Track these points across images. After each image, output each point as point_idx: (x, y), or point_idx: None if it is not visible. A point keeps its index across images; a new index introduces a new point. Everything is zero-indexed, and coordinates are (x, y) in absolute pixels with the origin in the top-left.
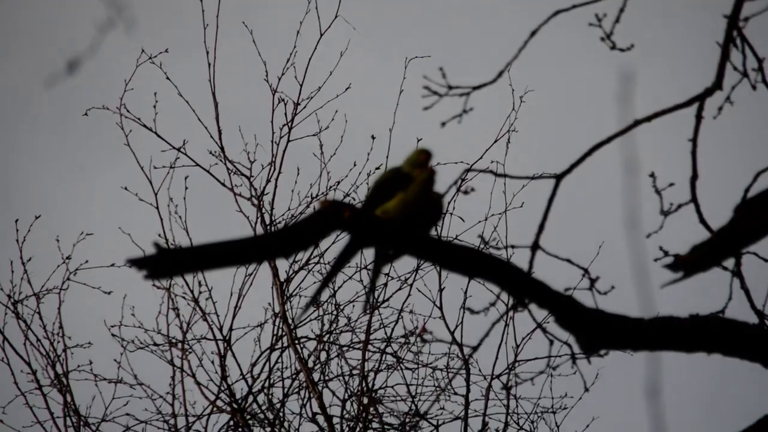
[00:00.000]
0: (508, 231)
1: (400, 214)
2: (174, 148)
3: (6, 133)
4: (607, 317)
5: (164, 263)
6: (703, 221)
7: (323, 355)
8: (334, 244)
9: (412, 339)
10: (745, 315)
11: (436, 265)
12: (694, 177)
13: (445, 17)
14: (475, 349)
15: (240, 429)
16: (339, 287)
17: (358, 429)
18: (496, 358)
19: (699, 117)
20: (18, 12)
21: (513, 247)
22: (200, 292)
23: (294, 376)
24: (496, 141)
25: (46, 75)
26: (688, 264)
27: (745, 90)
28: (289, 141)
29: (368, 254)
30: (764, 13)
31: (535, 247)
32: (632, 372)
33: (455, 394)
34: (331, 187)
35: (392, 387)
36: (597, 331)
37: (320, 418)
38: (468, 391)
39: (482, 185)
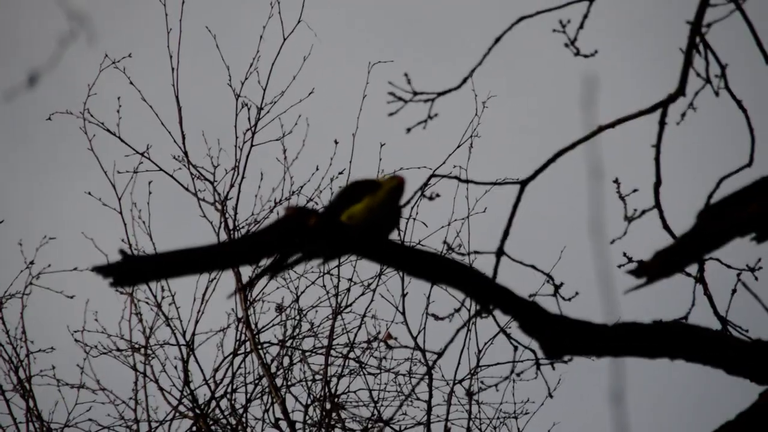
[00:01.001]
0: (470, 236)
1: (366, 219)
2: (137, 152)
3: None
4: (571, 323)
5: (130, 270)
6: (666, 227)
7: (286, 360)
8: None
9: (375, 344)
10: (708, 321)
11: (401, 271)
12: (658, 183)
13: (410, 23)
14: (440, 355)
15: None
16: (302, 292)
17: None
18: (458, 363)
19: (662, 123)
20: None
21: (478, 253)
22: (163, 297)
23: (257, 381)
24: (459, 146)
25: (6, 88)
26: (652, 270)
27: (708, 96)
28: (252, 146)
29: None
30: (727, 19)
31: (499, 252)
32: (596, 378)
33: (418, 399)
34: (294, 191)
35: (355, 392)
36: (561, 337)
37: (283, 424)
38: (430, 396)
39: (445, 190)
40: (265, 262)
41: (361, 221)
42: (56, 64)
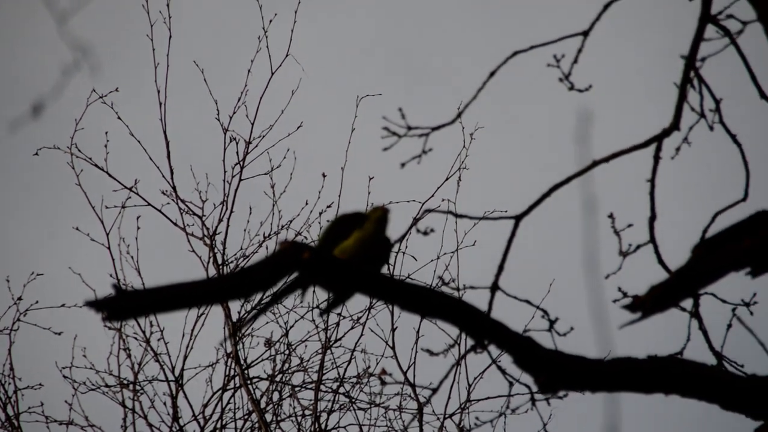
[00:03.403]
0: (460, 270)
1: (358, 253)
2: (125, 187)
3: None
4: (566, 358)
5: (123, 305)
6: (661, 262)
7: (275, 396)
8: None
9: (365, 379)
10: (704, 356)
11: (395, 305)
12: (653, 217)
13: (400, 56)
14: (433, 392)
15: None
16: (291, 327)
17: None
18: (449, 397)
19: (657, 157)
20: None
21: (472, 288)
22: (152, 333)
23: (246, 417)
24: (447, 179)
25: (11, 119)
26: (647, 305)
27: (702, 130)
28: (240, 180)
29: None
30: (721, 54)
31: (494, 288)
32: (591, 413)
33: None
34: (283, 226)
35: (345, 427)
36: (556, 372)
37: None
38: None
39: (435, 224)
40: (256, 299)
41: (353, 255)
42: (59, 94)
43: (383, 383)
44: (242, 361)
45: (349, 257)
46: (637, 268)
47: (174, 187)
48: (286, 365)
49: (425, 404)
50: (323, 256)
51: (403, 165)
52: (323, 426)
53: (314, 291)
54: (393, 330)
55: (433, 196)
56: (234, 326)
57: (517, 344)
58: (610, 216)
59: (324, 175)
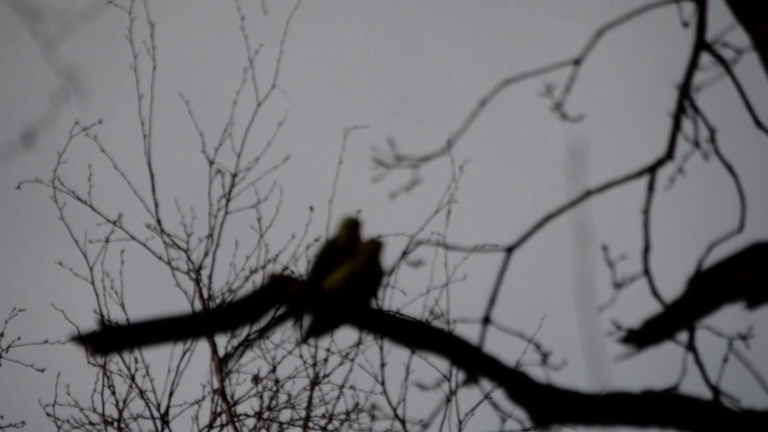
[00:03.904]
0: (450, 304)
1: (349, 284)
2: (109, 221)
3: None
4: (560, 392)
5: (108, 339)
6: (656, 294)
7: None
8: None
9: (354, 416)
10: (700, 389)
11: (386, 339)
12: (647, 249)
13: (387, 87)
14: (425, 426)
15: None
16: (278, 363)
17: None
18: None
19: (651, 188)
20: None
21: (464, 321)
22: (137, 369)
23: None
24: (436, 212)
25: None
26: (641, 338)
27: (697, 160)
28: (226, 213)
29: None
30: (716, 84)
31: (486, 320)
32: None
33: None
34: (269, 259)
35: None
36: (550, 407)
37: None
38: None
39: (424, 257)
40: (243, 333)
41: (343, 287)
42: (50, 123)
43: (373, 418)
44: (229, 398)
45: (339, 290)
46: (632, 300)
47: (159, 221)
48: (274, 402)
49: None
50: (311, 290)
51: (393, 196)
52: None
53: (302, 325)
54: (382, 366)
55: (422, 229)
56: (220, 361)
57: (510, 378)
58: (604, 248)
59: (311, 209)
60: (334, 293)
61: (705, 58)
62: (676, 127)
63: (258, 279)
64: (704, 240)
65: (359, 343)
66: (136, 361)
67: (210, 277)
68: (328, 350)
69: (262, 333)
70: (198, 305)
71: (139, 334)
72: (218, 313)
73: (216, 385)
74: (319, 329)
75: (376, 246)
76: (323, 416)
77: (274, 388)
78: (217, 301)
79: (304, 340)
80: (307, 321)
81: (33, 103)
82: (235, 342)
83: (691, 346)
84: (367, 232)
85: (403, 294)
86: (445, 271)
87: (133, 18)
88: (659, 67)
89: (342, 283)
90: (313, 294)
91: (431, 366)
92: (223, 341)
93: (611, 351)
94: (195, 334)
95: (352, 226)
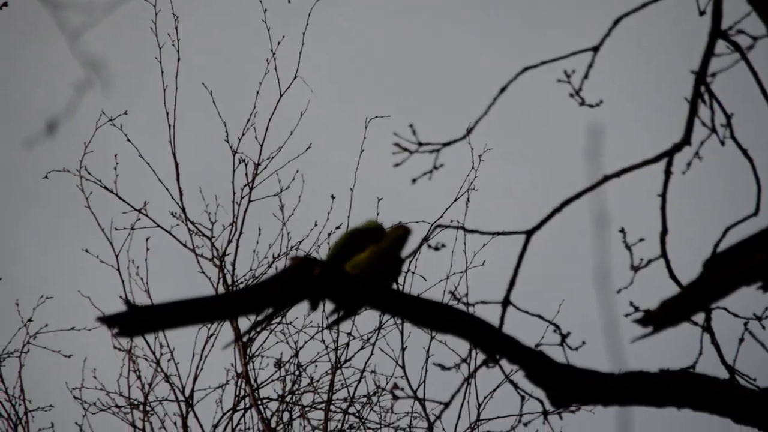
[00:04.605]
0: (469, 289)
1: (372, 267)
2: (135, 209)
3: None
4: (578, 372)
5: (134, 321)
6: (673, 276)
7: (286, 416)
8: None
9: (375, 399)
10: (716, 370)
11: (406, 321)
12: (664, 232)
13: (408, 74)
14: (446, 406)
15: None
16: (301, 347)
17: None
18: (459, 416)
19: (668, 172)
20: None
21: (484, 303)
22: (162, 354)
23: None
24: (456, 200)
25: (25, 136)
26: (658, 319)
27: (714, 145)
28: (250, 201)
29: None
30: (732, 69)
31: (505, 302)
32: (602, 428)
33: None
34: (292, 247)
35: None
36: (568, 387)
37: None
38: None
39: (444, 242)
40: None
41: (366, 270)
42: (73, 112)
43: (395, 398)
44: (252, 382)
45: (362, 272)
46: (649, 282)
47: (183, 209)
48: (296, 385)
49: (436, 420)
50: (334, 272)
51: (414, 181)
52: None
53: (324, 307)
54: (403, 349)
55: (442, 216)
56: (243, 345)
57: (529, 358)
58: (622, 231)
59: (333, 197)
60: (355, 276)
61: (721, 46)
62: (693, 112)
63: (281, 266)
64: (720, 224)
65: (380, 327)
66: (161, 345)
67: (233, 264)
68: (349, 335)
69: (277, 310)
70: (222, 291)
71: (164, 316)
72: (240, 295)
73: (240, 369)
74: (343, 313)
75: (402, 232)
76: (345, 399)
77: (297, 372)
78: (241, 287)
79: (329, 325)
80: (329, 305)
81: (57, 93)
82: (258, 326)
83: (707, 327)
84: (390, 223)
85: (423, 279)
86: (465, 257)
87: (158, 10)
88: (676, 54)
89: (365, 265)
90: (335, 276)
91: (452, 351)
92: (246, 326)
93: (629, 332)
94: (218, 316)
95: (400, 237)
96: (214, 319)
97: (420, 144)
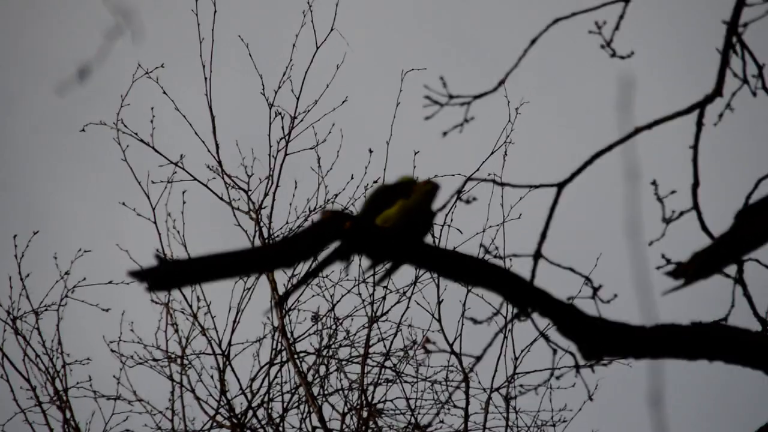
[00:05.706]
0: (505, 242)
1: (402, 221)
2: (171, 162)
3: (7, 146)
4: (609, 325)
5: (165, 275)
6: (704, 228)
7: (322, 369)
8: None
9: (411, 352)
10: (748, 322)
11: (438, 274)
12: (696, 184)
13: (442, 27)
14: (478, 359)
15: None
16: (338, 301)
17: None
18: (495, 370)
19: (699, 124)
20: (25, 20)
21: (515, 256)
22: (199, 308)
23: (293, 391)
24: (492, 153)
25: (57, 82)
26: (690, 271)
27: (745, 96)
28: (286, 155)
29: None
30: (763, 19)
31: (537, 255)
32: (634, 381)
33: (455, 407)
34: (328, 200)
35: (392, 400)
36: (599, 339)
37: None
38: (467, 404)
39: (480, 197)
40: (300, 271)
41: (396, 224)
42: (104, 59)
43: (427, 351)
44: (289, 336)
45: (392, 226)
46: (681, 234)
47: (220, 162)
48: (333, 339)
49: (470, 371)
50: (364, 226)
51: (445, 134)
52: (370, 399)
53: (360, 261)
54: (439, 303)
55: (478, 170)
56: (280, 299)
57: (561, 311)
58: (653, 183)
59: (371, 151)
60: (386, 229)
61: None
62: (725, 63)
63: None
64: (753, 175)
65: (416, 281)
66: (198, 299)
67: (270, 217)
68: (386, 288)
69: (318, 271)
70: (258, 244)
71: (194, 270)
72: (274, 248)
73: (276, 323)
74: (390, 267)
75: (431, 187)
76: (381, 353)
77: (333, 326)
78: (277, 240)
79: (378, 281)
80: (366, 262)
81: (89, 41)
82: (294, 280)
83: (739, 279)
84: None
85: (459, 232)
86: (501, 211)
87: None
88: (707, 4)
89: (396, 219)
90: (367, 230)
91: (487, 303)
92: (283, 280)
93: (661, 285)
94: (251, 269)
95: (429, 192)
96: (244, 273)
97: (451, 97)
